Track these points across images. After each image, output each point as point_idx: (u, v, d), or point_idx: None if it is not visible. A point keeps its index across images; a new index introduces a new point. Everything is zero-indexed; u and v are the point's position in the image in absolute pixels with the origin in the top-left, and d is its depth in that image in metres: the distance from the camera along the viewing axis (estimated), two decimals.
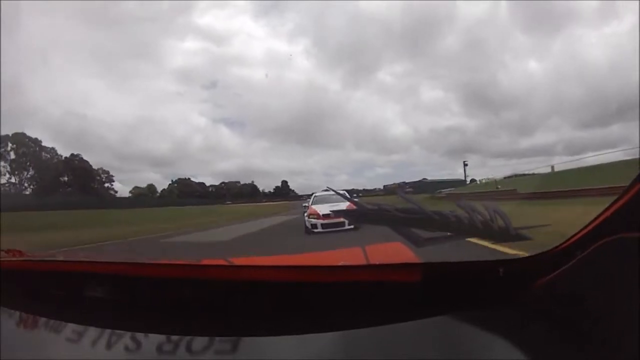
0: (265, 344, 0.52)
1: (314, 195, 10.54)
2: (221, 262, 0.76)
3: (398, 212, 0.53)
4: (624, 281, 0.42)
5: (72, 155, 34.60)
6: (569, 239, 0.50)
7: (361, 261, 0.93)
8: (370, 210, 0.58)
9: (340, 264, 0.74)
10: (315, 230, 8.75)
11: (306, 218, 9.22)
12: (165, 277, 0.58)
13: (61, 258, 0.69)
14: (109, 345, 0.52)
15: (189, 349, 0.50)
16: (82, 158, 34.77)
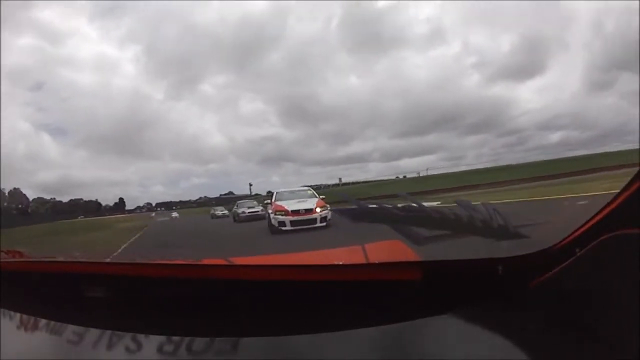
0: (265, 343, 0.52)
1: (276, 192, 9.58)
2: (221, 261, 0.76)
3: (398, 210, 0.53)
4: (624, 278, 0.42)
5: None
6: (568, 236, 0.50)
7: (361, 260, 0.93)
8: (370, 208, 0.58)
9: (339, 262, 0.74)
10: (284, 229, 7.69)
11: (271, 215, 8.14)
12: (165, 277, 0.58)
13: (61, 259, 0.69)
14: (109, 346, 0.52)
15: (189, 349, 0.50)
16: None
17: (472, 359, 0.48)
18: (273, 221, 8.00)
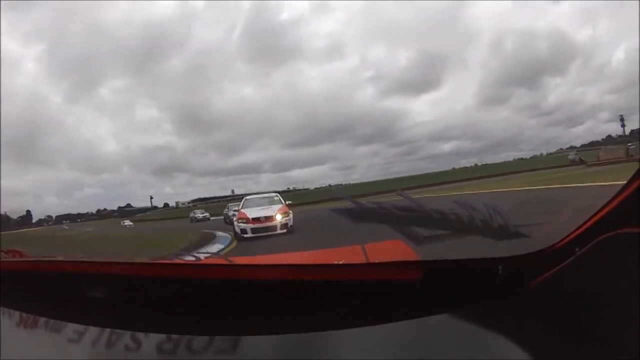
0: (265, 342, 0.52)
1: (244, 198, 9.86)
2: (221, 261, 0.76)
3: (398, 210, 0.53)
4: (624, 277, 0.42)
5: None
6: (568, 236, 0.50)
7: (361, 259, 0.93)
8: (370, 208, 0.58)
9: (339, 262, 0.74)
10: (246, 236, 7.95)
11: (235, 223, 8.47)
12: (165, 277, 0.58)
13: (61, 258, 0.69)
14: (109, 345, 0.52)
15: (189, 348, 0.50)
16: None
17: (472, 359, 0.48)
18: (236, 228, 8.25)
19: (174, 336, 0.52)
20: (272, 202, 9.13)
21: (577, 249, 0.47)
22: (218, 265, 0.67)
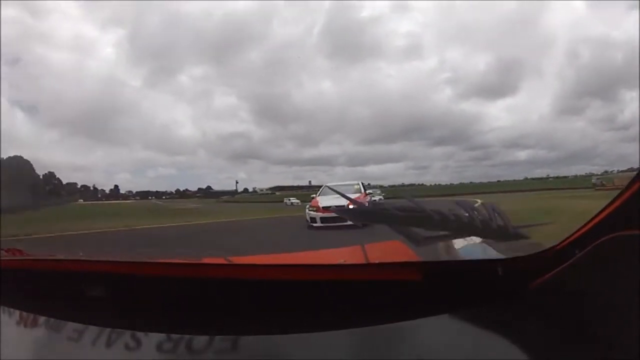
0: (265, 343, 0.52)
1: (323, 186, 9.64)
2: (221, 260, 0.76)
3: (397, 210, 0.53)
4: (624, 279, 0.42)
5: None
6: (568, 237, 0.50)
7: (360, 260, 0.93)
8: (369, 208, 0.58)
9: (339, 262, 0.74)
10: (315, 225, 7.85)
11: (306, 210, 8.39)
12: (165, 276, 0.59)
13: (61, 257, 0.69)
14: (109, 344, 0.52)
15: (189, 347, 0.50)
16: None
17: (472, 359, 0.48)
18: (307, 216, 8.20)
19: (174, 336, 0.52)
20: (350, 191, 8.60)
21: (577, 251, 0.47)
22: (218, 265, 0.67)
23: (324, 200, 8.00)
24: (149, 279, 0.59)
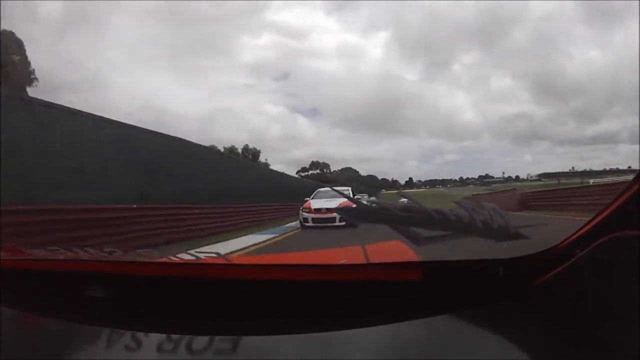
0: (265, 343, 0.52)
1: (316, 190, 10.72)
2: (221, 260, 0.76)
3: (398, 210, 0.53)
4: (624, 280, 0.42)
5: None
6: (569, 237, 0.50)
7: (361, 260, 0.93)
8: (369, 208, 0.58)
9: (340, 262, 0.74)
10: (307, 225, 8.84)
11: (300, 212, 9.33)
12: (165, 276, 0.58)
13: (61, 257, 0.69)
14: (109, 344, 0.52)
15: (189, 347, 0.50)
16: None
17: (472, 359, 0.48)
18: (300, 217, 9.19)
19: (174, 336, 0.52)
20: (337, 196, 9.76)
21: (577, 251, 0.47)
22: (218, 265, 0.67)
23: (316, 203, 9.15)
24: (149, 279, 0.59)
